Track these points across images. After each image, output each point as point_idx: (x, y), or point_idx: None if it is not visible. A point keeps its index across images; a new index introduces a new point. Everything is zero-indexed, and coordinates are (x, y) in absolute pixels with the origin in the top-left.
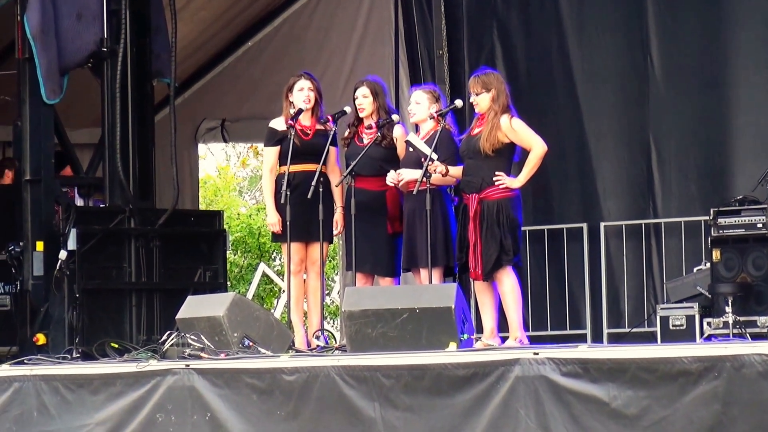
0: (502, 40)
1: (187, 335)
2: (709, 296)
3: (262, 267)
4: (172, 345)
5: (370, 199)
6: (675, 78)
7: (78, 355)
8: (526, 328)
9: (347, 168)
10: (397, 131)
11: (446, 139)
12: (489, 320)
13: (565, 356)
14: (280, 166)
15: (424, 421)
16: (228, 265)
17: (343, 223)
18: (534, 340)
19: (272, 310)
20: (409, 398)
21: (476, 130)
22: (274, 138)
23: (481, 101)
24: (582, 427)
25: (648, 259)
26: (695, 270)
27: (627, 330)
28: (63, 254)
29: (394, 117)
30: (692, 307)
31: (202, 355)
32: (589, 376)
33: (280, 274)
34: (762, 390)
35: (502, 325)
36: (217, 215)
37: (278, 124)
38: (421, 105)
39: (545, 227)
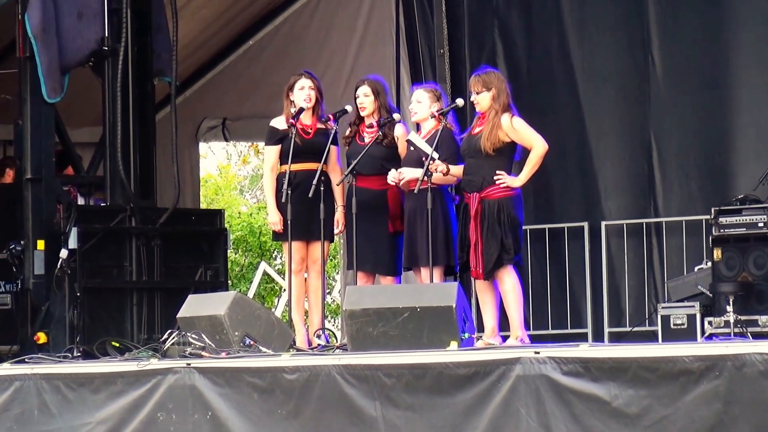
0: (503, 39)
1: (188, 334)
2: (710, 295)
3: (263, 266)
4: (173, 344)
5: (371, 198)
6: (676, 77)
7: (79, 353)
8: (527, 327)
9: (348, 167)
10: (398, 130)
11: (447, 138)
12: (490, 319)
13: (566, 355)
14: (281, 165)
15: (425, 420)
16: (229, 264)
17: (344, 222)
18: (535, 339)
19: (273, 309)
20: (410, 397)
21: (477, 129)
22: (275, 137)
23: (482, 100)
24: (583, 426)
25: (649, 258)
26: (696, 269)
27: (628, 329)
28: (64, 253)
29: (395, 116)
30: (693, 306)
31: (203, 354)
32: (590, 375)
33: (281, 273)
34: (763, 389)
35: (503, 324)
36: (218, 214)
37: (279, 123)
38: (422, 104)
39: (546, 226)
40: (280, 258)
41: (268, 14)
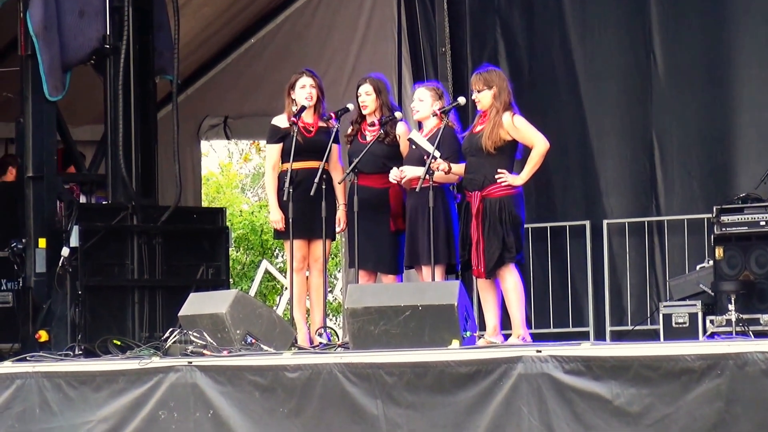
0: (504, 37)
1: (190, 332)
2: (712, 294)
3: (265, 264)
4: (174, 342)
5: (373, 196)
6: (678, 75)
7: (80, 352)
8: (528, 325)
9: (350, 165)
10: (400, 128)
11: (449, 136)
12: (492, 318)
13: (568, 354)
14: (282, 163)
15: (426, 418)
16: (230, 263)
17: (346, 221)
18: (537, 338)
19: (274, 308)
20: (411, 396)
21: (478, 128)
22: (277, 135)
23: (483, 98)
24: (585, 425)
25: (651, 257)
26: (698, 268)
27: (630, 328)
28: (65, 251)
29: (397, 114)
30: (695, 305)
31: (205, 352)
32: (592, 374)
33: (282, 271)
34: (765, 388)
35: (505, 322)
36: (220, 212)
37: (281, 121)
38: (424, 102)
39: (548, 224)
40: (282, 256)
41: (270, 12)
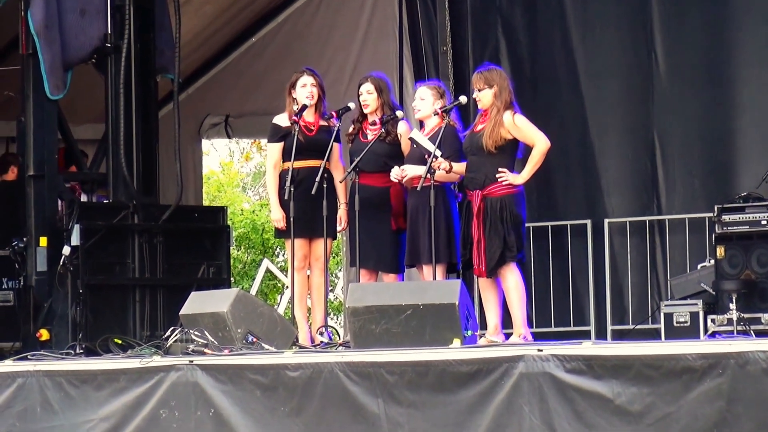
0: (506, 37)
1: (191, 331)
2: (713, 293)
3: (266, 263)
4: (175, 341)
5: (374, 195)
6: (679, 75)
7: (81, 350)
8: (529, 324)
9: (351, 164)
10: (401, 127)
11: (450, 135)
12: (493, 317)
13: (569, 353)
14: (283, 162)
15: (427, 417)
16: (231, 261)
17: (347, 220)
18: (538, 337)
19: (276, 307)
20: (412, 394)
21: (479, 127)
22: (278, 134)
23: (484, 97)
24: (586, 424)
25: (652, 256)
26: (699, 267)
27: (631, 327)
28: (66, 250)
29: (398, 113)
30: (696, 304)
31: (206, 351)
32: (593, 373)
33: (283, 270)
34: (766, 387)
35: (506, 321)
36: (221, 211)
37: (282, 120)
38: (425, 101)
39: (549, 224)
40: (283, 255)
41: (271, 11)
